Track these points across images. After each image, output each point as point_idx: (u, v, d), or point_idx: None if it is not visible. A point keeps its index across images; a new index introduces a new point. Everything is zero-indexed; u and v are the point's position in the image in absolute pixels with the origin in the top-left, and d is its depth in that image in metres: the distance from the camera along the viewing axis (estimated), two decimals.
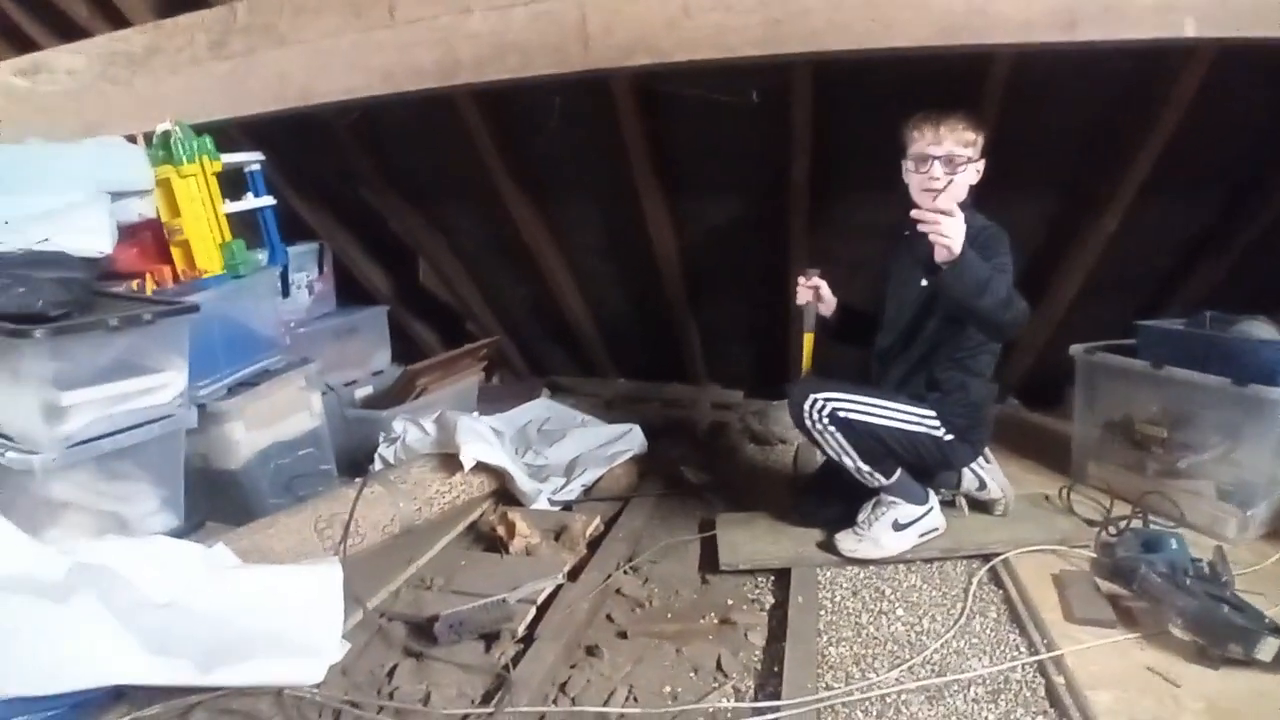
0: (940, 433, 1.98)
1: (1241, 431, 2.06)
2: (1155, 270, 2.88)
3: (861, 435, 1.92)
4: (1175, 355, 2.17)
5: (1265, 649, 1.50)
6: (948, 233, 1.68)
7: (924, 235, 1.74)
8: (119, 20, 2.95)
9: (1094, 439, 2.43)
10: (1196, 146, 2.33)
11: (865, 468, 1.96)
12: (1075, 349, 2.42)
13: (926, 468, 2.06)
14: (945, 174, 1.89)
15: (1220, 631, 1.54)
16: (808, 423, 1.94)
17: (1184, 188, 2.52)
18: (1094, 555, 1.98)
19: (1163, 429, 2.23)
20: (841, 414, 1.91)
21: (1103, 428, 2.41)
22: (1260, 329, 2.12)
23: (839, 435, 1.93)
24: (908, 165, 1.97)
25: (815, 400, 1.92)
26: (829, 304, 2.19)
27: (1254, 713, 1.43)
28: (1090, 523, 2.14)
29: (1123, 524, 2.07)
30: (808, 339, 2.18)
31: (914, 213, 1.76)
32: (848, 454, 1.95)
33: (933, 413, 1.97)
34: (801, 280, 2.14)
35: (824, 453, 2.01)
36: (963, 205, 1.83)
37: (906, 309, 2.06)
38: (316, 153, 3.20)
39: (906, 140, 1.96)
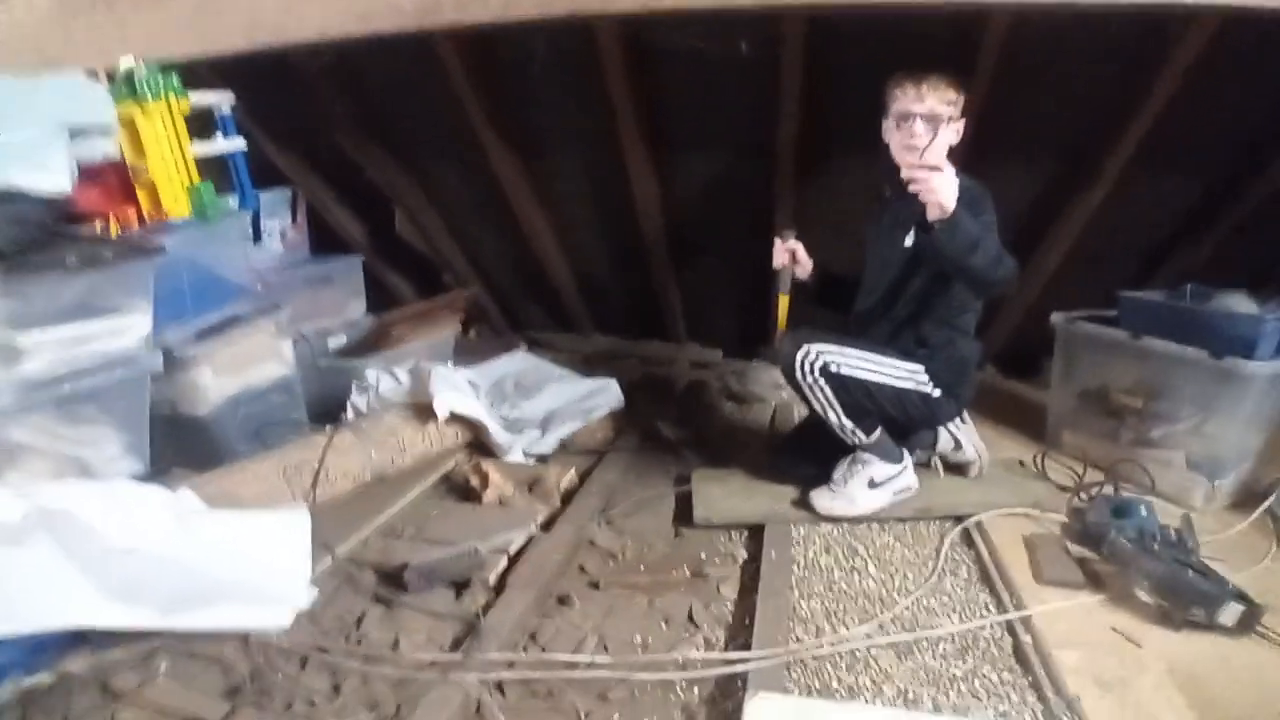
0: (928, 388, 1.98)
1: (1214, 404, 2.07)
2: (1139, 244, 2.88)
3: (852, 390, 1.91)
4: (1154, 326, 2.17)
5: (1227, 614, 1.54)
6: (939, 188, 1.66)
7: (910, 195, 1.73)
8: None
9: (1070, 407, 2.45)
10: (1189, 121, 2.31)
11: (848, 424, 1.95)
12: (1056, 317, 2.42)
13: (912, 424, 2.07)
14: (927, 131, 1.86)
15: (1184, 596, 1.57)
16: (798, 375, 1.92)
17: (1173, 162, 2.50)
18: (1065, 519, 2.00)
19: (1138, 399, 2.24)
20: (833, 368, 1.89)
21: (1079, 396, 2.42)
22: (1239, 303, 2.12)
23: (828, 389, 1.91)
24: (889, 124, 1.94)
25: (809, 352, 1.90)
26: (805, 267, 2.16)
27: (1213, 674, 1.46)
28: (1063, 488, 2.17)
29: (1094, 490, 2.10)
30: (783, 301, 2.16)
31: (905, 173, 1.74)
32: (833, 409, 1.94)
33: (920, 367, 1.97)
34: (778, 242, 2.12)
35: (809, 405, 1.98)
36: None
37: (890, 269, 2.04)
38: (291, 96, 3.09)
39: (888, 98, 1.93)
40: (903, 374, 1.95)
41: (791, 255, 2.12)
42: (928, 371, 1.97)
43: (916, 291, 1.99)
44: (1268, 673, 1.47)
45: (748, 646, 1.50)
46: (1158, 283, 2.55)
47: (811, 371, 1.90)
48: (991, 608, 1.68)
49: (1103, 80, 2.32)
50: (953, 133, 1.92)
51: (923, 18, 2.09)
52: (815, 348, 1.90)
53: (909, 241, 1.94)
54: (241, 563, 1.60)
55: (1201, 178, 2.62)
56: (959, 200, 1.70)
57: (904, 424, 2.04)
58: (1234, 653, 1.51)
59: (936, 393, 1.98)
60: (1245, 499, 2.09)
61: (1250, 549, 1.88)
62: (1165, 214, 2.75)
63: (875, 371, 1.92)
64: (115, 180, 2.39)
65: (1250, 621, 1.54)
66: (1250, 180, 2.53)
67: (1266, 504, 2.00)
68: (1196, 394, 2.11)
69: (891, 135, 1.94)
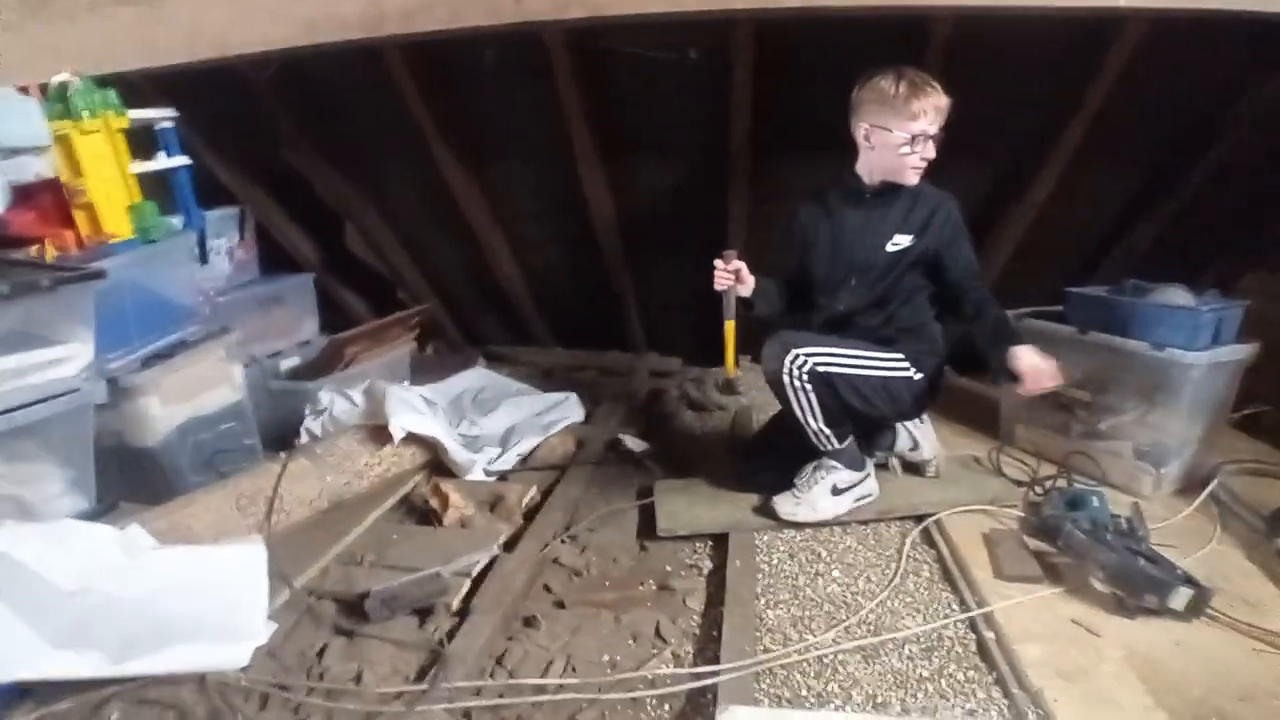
0: (911, 373, 1.99)
1: (1157, 394, 2.14)
2: (1082, 240, 2.96)
3: (839, 391, 1.90)
4: (1099, 321, 2.23)
5: (1177, 599, 1.58)
6: (1047, 378, 1.78)
7: (887, 197, 1.93)
8: None
9: (1022, 403, 2.48)
10: (1127, 118, 2.39)
11: (825, 430, 1.95)
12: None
13: (903, 415, 2.09)
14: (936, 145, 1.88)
15: (1137, 583, 1.62)
16: (785, 378, 1.88)
17: (1115, 157, 2.57)
18: (1022, 514, 2.05)
19: (1086, 392, 2.30)
20: (822, 369, 1.88)
21: None
22: (1177, 296, 2.19)
23: (813, 393, 1.89)
24: (895, 137, 1.86)
25: (797, 356, 1.87)
26: (748, 286, 2.06)
27: (1169, 658, 1.50)
28: (1018, 483, 2.21)
29: (1048, 484, 2.15)
30: (729, 328, 2.06)
31: (1024, 392, 1.81)
32: (813, 413, 1.92)
33: (901, 355, 1.98)
34: (719, 265, 2.00)
35: (789, 408, 1.94)
36: None
37: (869, 270, 1.99)
38: (236, 111, 3.02)
39: (892, 106, 1.85)
40: (888, 364, 1.96)
41: (736, 275, 2.00)
42: (908, 357, 1.98)
43: (899, 288, 1.99)
44: (1221, 654, 1.52)
45: (716, 659, 1.50)
46: (1103, 275, 2.62)
47: (799, 375, 1.88)
48: (954, 606, 1.71)
49: (1044, 79, 2.38)
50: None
51: (870, 21, 2.12)
52: (802, 351, 1.88)
53: (892, 246, 1.95)
54: (196, 600, 1.55)
55: (1141, 170, 2.70)
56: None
57: (892, 415, 2.06)
58: (1188, 636, 1.56)
59: (919, 376, 1.99)
60: (1189, 485, 2.16)
61: (1197, 533, 1.95)
62: (1106, 211, 2.83)
63: (863, 367, 1.93)
64: (51, 201, 2.31)
65: (1200, 605, 1.59)
66: (1182, 178, 2.62)
67: (1209, 489, 2.08)
68: (1140, 385, 2.17)
69: (890, 148, 1.88)
